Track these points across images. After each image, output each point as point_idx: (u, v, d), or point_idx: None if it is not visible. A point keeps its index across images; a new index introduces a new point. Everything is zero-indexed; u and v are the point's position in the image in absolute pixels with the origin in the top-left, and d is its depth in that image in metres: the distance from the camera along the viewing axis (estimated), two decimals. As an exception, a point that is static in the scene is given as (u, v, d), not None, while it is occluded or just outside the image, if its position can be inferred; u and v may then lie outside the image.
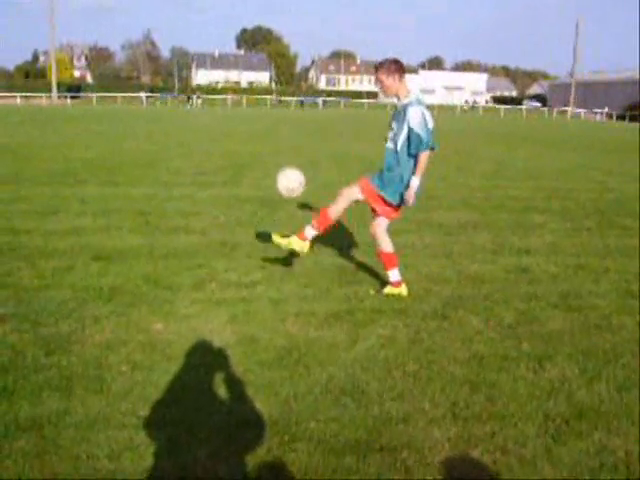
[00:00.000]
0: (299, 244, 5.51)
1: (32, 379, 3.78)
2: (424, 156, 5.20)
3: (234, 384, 3.82)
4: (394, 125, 5.39)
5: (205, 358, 4.16)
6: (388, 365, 4.14)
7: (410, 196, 5.24)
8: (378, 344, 4.45)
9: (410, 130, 5.18)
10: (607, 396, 3.81)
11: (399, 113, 5.34)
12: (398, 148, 5.28)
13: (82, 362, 4.03)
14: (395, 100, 5.47)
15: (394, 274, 5.54)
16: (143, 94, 75.97)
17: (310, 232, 5.51)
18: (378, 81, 5.39)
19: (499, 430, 3.39)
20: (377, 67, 5.33)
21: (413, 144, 5.19)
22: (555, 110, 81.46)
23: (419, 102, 5.27)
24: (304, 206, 9.33)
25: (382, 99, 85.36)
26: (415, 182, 5.23)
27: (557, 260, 6.88)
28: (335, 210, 5.47)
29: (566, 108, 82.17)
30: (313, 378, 3.91)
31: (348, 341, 4.51)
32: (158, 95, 77.76)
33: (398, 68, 5.27)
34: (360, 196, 5.44)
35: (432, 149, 5.26)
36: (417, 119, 5.17)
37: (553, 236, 8.08)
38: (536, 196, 11.35)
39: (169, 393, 3.67)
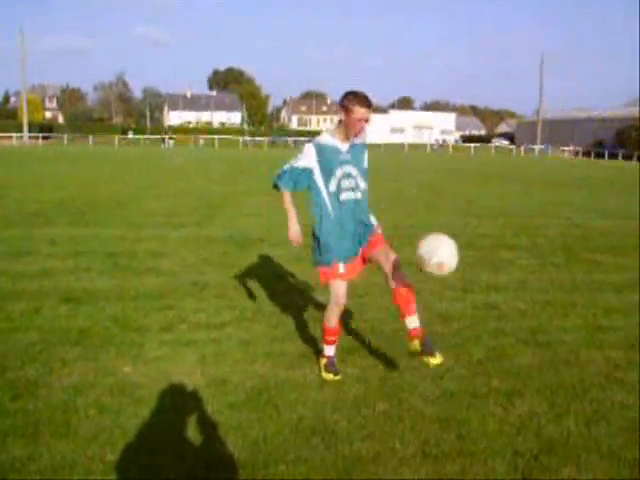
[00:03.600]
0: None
1: (-4, 425, 3.71)
2: None
3: (204, 426, 3.79)
4: (349, 170, 4.42)
5: (174, 400, 4.12)
6: (358, 404, 4.14)
7: None
8: (348, 383, 4.45)
9: (366, 171, 4.56)
10: (576, 431, 3.85)
11: (349, 155, 4.42)
12: (365, 196, 4.56)
13: (49, 406, 3.96)
14: (336, 141, 4.39)
15: None
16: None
17: None
18: (365, 122, 4.26)
19: (469, 467, 3.40)
20: (370, 104, 4.24)
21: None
22: (523, 148, 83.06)
23: None
24: (276, 245, 9.34)
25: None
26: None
27: (525, 296, 6.96)
28: None
29: (534, 146, 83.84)
30: (283, 419, 3.89)
31: (318, 381, 4.49)
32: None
33: None
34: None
35: None
36: None
37: (521, 272, 8.18)
38: (505, 233, 11.50)
39: (137, 437, 3.63)
